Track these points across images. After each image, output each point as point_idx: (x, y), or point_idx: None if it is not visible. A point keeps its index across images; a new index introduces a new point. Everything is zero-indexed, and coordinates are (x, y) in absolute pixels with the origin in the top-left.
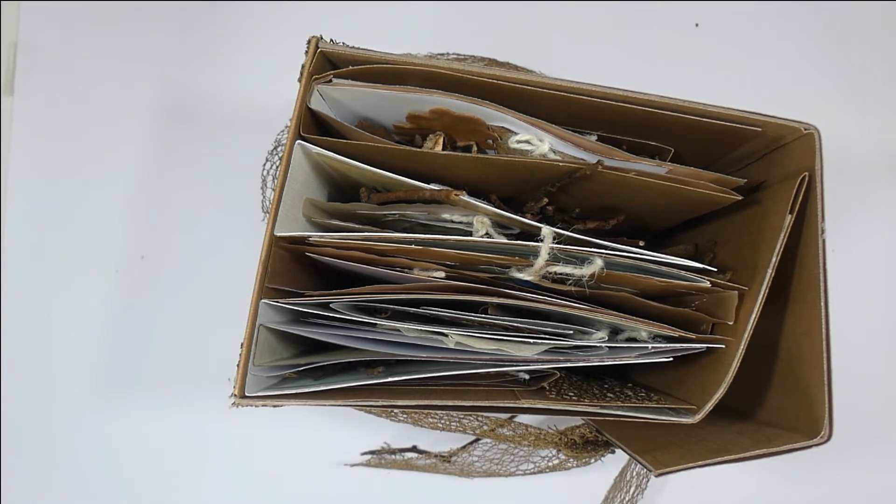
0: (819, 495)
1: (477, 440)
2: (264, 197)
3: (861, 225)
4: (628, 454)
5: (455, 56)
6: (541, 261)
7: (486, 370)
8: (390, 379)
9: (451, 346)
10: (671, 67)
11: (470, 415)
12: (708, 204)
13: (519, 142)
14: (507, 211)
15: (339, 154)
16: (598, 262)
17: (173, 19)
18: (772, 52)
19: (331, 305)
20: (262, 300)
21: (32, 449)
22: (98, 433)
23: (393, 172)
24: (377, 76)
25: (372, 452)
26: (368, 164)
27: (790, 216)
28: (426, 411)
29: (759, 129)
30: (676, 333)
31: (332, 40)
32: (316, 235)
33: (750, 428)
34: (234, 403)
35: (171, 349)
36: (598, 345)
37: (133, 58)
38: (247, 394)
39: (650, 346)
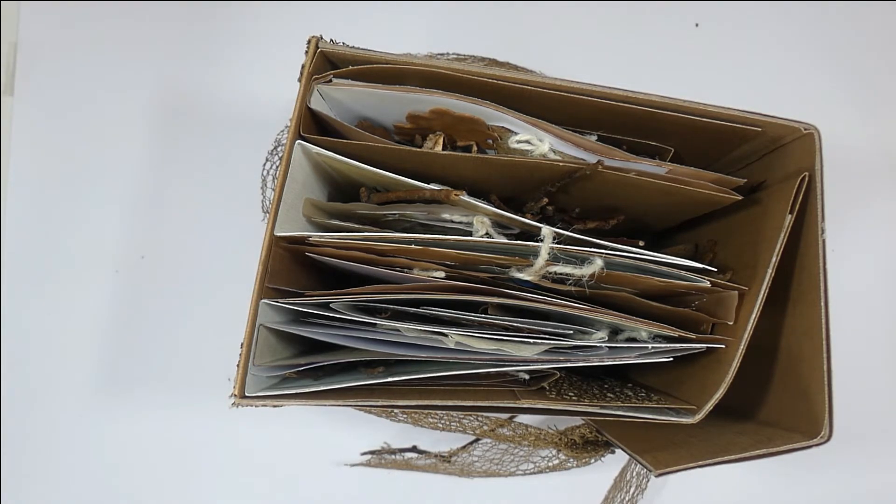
0: (819, 495)
1: (477, 440)
2: (264, 197)
3: (861, 225)
4: (628, 454)
5: (455, 56)
6: (541, 261)
7: (486, 370)
8: (390, 379)
9: (451, 346)
10: (671, 67)
11: (470, 415)
12: (708, 204)
13: (519, 142)
14: (507, 211)
15: (339, 154)
16: (598, 262)
17: (173, 19)
18: (772, 51)
19: (331, 305)
20: (262, 300)
21: (32, 449)
22: (98, 433)
23: (393, 172)
24: (377, 76)
25: (372, 452)
26: (368, 164)
27: (790, 216)
28: (426, 411)
29: (760, 129)
30: (676, 333)
31: (332, 40)
32: (316, 235)
33: (750, 428)
34: (234, 403)
35: (171, 349)
36: (598, 345)
37: (133, 58)
38: (247, 394)
39: (650, 346)
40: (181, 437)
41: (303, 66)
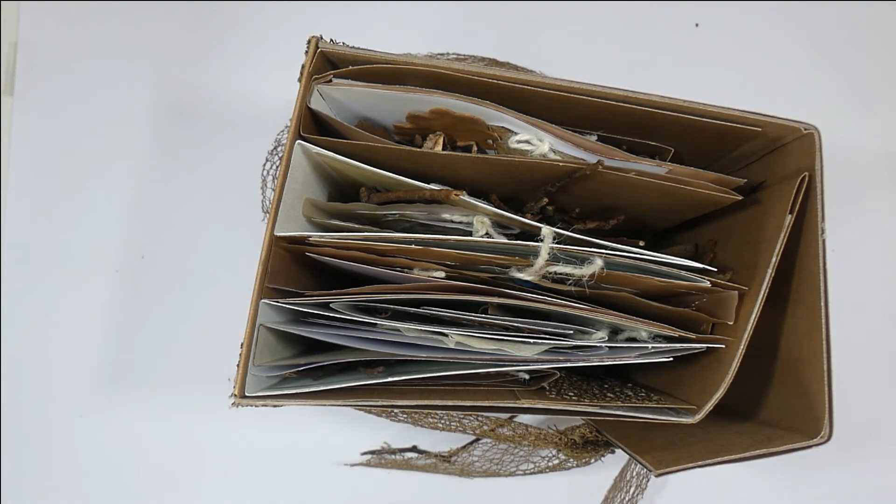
0: (819, 495)
1: (477, 440)
2: (264, 197)
3: (861, 225)
4: (628, 454)
5: (455, 56)
6: (541, 261)
7: (486, 370)
8: (390, 379)
9: (452, 346)
10: (671, 67)
11: (470, 415)
12: (708, 204)
13: (519, 142)
14: (507, 211)
15: (339, 154)
16: (598, 262)
17: (173, 19)
18: (772, 52)
19: (331, 305)
20: (262, 300)
21: (32, 449)
22: (98, 433)
23: (393, 172)
24: (377, 76)
25: (372, 452)
26: (368, 164)
27: (790, 216)
28: (426, 411)
29: (759, 129)
30: (676, 333)
31: (332, 40)
32: (316, 235)
33: (750, 428)
34: (234, 403)
35: (170, 349)
36: (598, 345)
37: (133, 58)
38: (247, 394)
39: (650, 346)
40: (181, 437)
41: (303, 66)
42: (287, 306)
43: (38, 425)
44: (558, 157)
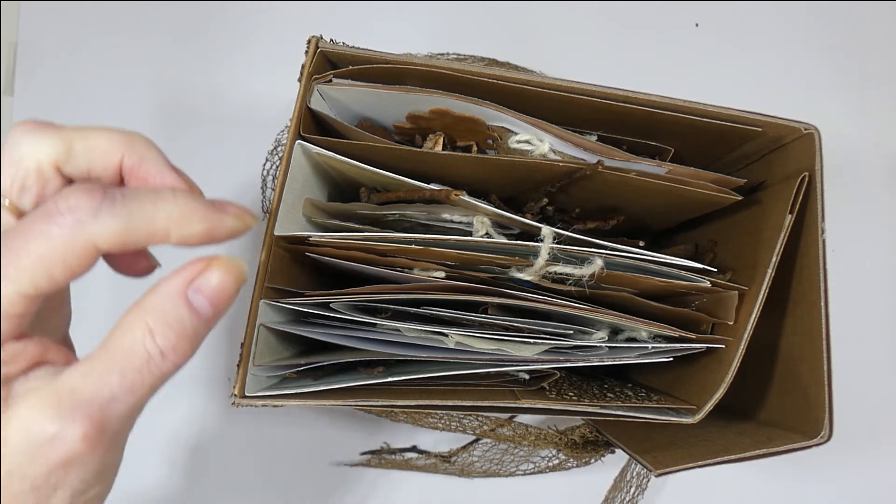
0: (819, 495)
1: (477, 440)
2: (264, 197)
3: (861, 225)
4: (628, 454)
5: (455, 56)
6: (541, 261)
7: (486, 370)
8: (390, 379)
9: (452, 346)
10: (671, 67)
11: (470, 415)
12: (708, 204)
13: (519, 142)
14: (507, 211)
15: (339, 154)
16: (598, 262)
17: (173, 19)
18: (772, 51)
19: (331, 305)
20: (262, 300)
21: None
22: None
23: (393, 172)
24: (377, 76)
25: (372, 452)
26: (368, 164)
27: (790, 216)
28: (426, 411)
29: (759, 129)
30: (676, 333)
31: (332, 40)
32: (316, 235)
33: (750, 428)
34: (234, 403)
35: None
36: (598, 345)
37: (133, 58)
38: (247, 394)
39: (650, 346)
40: (180, 436)
41: (303, 66)
42: (287, 306)
43: None
44: (558, 157)
